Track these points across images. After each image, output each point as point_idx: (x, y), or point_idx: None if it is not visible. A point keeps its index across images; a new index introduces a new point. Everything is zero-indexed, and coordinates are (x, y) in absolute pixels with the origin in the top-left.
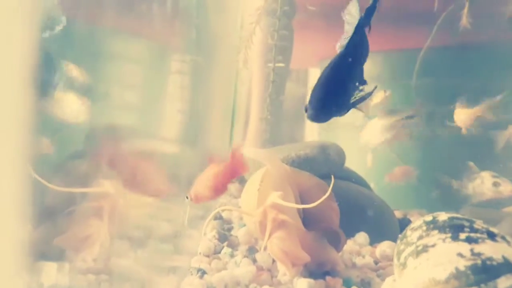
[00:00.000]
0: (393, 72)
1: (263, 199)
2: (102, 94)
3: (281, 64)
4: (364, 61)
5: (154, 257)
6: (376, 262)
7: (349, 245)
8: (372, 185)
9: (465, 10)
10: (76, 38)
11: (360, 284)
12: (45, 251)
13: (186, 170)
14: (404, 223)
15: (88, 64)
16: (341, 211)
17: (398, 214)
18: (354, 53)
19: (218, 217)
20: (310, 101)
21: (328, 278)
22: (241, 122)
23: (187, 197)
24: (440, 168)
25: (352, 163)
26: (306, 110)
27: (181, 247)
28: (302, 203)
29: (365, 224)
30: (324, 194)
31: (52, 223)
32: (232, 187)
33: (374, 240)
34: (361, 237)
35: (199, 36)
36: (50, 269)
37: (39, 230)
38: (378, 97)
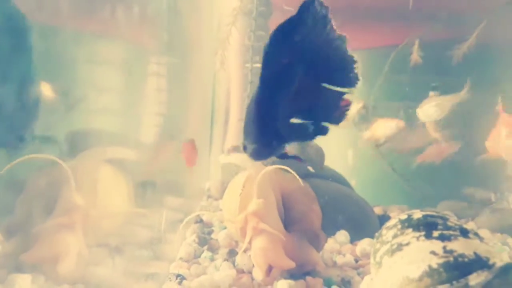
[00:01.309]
0: (380, 69)
1: (244, 204)
2: (78, 99)
3: (258, 65)
4: (291, 86)
5: (132, 264)
6: (356, 260)
7: (330, 243)
8: (353, 183)
9: (416, 47)
10: (51, 43)
11: (341, 283)
12: (18, 263)
13: (163, 175)
14: (384, 220)
15: (63, 68)
16: (321, 210)
17: (378, 210)
18: (271, 84)
19: (199, 221)
20: (245, 139)
21: (308, 278)
22: (221, 123)
23: None
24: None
25: (334, 161)
26: (245, 149)
27: (160, 253)
28: (286, 205)
29: (345, 222)
30: (307, 196)
31: (25, 235)
32: (213, 188)
33: (355, 238)
34: (342, 235)
35: (175, 37)
36: (24, 281)
37: (12, 242)
38: (354, 108)
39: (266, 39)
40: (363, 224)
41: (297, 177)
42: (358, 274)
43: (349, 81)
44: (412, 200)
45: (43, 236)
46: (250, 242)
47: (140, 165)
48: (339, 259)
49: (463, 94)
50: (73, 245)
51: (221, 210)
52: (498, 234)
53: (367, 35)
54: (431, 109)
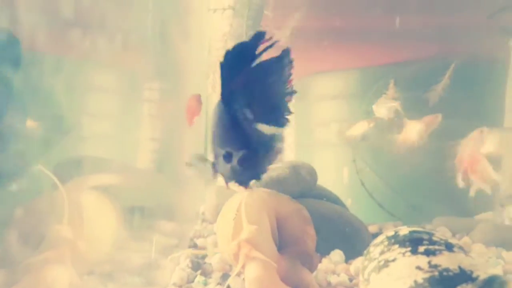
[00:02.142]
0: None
1: (238, 229)
2: (71, 125)
3: None
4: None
5: None
6: (351, 279)
7: (324, 263)
8: (349, 201)
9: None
10: (43, 70)
11: None
12: None
13: (158, 199)
14: None
15: (56, 95)
16: (315, 229)
17: (373, 228)
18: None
19: (192, 245)
20: (225, 148)
21: None
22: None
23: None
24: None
25: (328, 181)
26: (227, 158)
27: (153, 279)
28: (280, 229)
29: (340, 241)
30: (304, 219)
31: (11, 269)
32: (207, 212)
33: (349, 257)
34: (336, 255)
35: (166, 63)
36: None
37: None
38: (361, 127)
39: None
40: (357, 243)
41: (293, 200)
42: None
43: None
44: (408, 217)
45: (32, 271)
46: (243, 267)
47: (132, 190)
48: (333, 279)
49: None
50: (63, 278)
51: (215, 234)
52: (493, 248)
53: (354, 55)
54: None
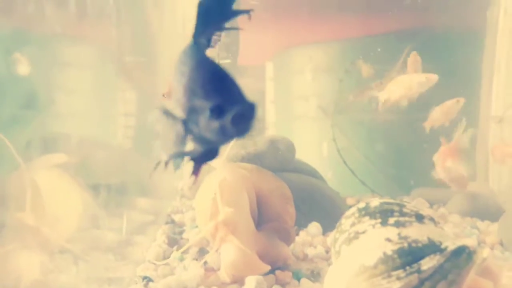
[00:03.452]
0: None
1: (216, 209)
2: (46, 102)
3: (227, 61)
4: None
5: (96, 269)
6: (327, 251)
7: (302, 236)
8: (330, 174)
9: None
10: (17, 46)
11: (311, 275)
12: None
13: (134, 176)
14: None
15: (31, 71)
16: (293, 202)
17: (352, 200)
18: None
19: (170, 221)
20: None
21: (277, 272)
22: None
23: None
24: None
25: (308, 154)
26: (219, 114)
27: (128, 255)
28: (260, 206)
29: (317, 214)
30: (285, 198)
31: None
32: (186, 188)
33: (326, 229)
34: (314, 227)
35: (139, 35)
36: None
37: None
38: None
39: (233, 35)
40: (334, 215)
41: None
42: (328, 265)
43: None
44: (387, 188)
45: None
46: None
47: (106, 167)
48: (310, 251)
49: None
50: (33, 263)
51: (194, 209)
52: (468, 218)
53: (333, 27)
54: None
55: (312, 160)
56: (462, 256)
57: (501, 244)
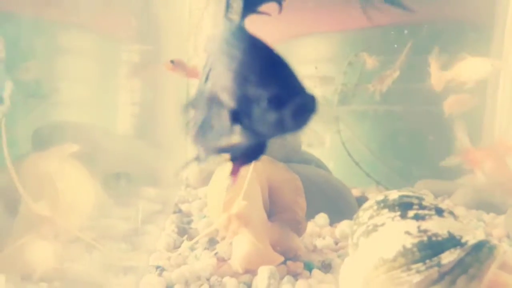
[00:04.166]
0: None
1: (230, 200)
2: (50, 90)
3: None
4: None
5: (110, 258)
6: (336, 242)
7: (310, 227)
8: (331, 165)
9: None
10: (21, 33)
11: (321, 267)
12: None
13: (141, 165)
14: (362, 201)
15: (35, 60)
16: None
17: (356, 192)
18: None
19: (177, 211)
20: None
21: (289, 263)
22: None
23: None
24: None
25: (311, 145)
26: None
27: (139, 245)
28: (272, 198)
29: (324, 205)
30: (296, 190)
31: None
32: (191, 177)
33: (334, 220)
34: (321, 218)
35: (146, 24)
36: None
37: None
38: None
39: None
40: (341, 206)
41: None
42: (338, 256)
43: None
44: (391, 180)
45: (15, 253)
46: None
47: (112, 156)
48: (319, 242)
49: None
50: (47, 252)
51: (200, 199)
52: (474, 211)
53: (336, 19)
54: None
55: (315, 151)
56: (482, 251)
57: (508, 237)
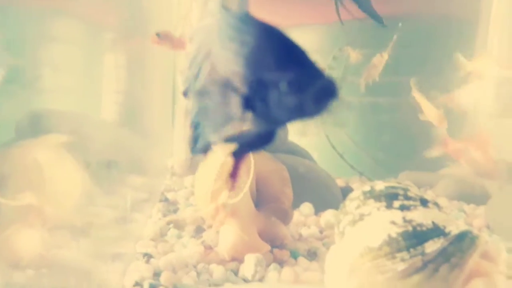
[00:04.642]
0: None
1: (218, 190)
2: (33, 78)
3: None
4: None
5: (97, 245)
6: (321, 231)
7: (295, 216)
8: (316, 155)
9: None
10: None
11: (307, 255)
12: None
13: (126, 153)
14: (346, 191)
15: (17, 46)
16: None
17: (340, 182)
18: None
19: (164, 199)
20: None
21: (275, 251)
22: (183, 100)
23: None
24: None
25: (295, 135)
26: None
27: (126, 232)
28: (259, 187)
29: (309, 195)
30: (282, 180)
31: None
32: (177, 166)
33: (318, 209)
34: (306, 207)
35: (133, 13)
36: None
37: None
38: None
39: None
40: (326, 196)
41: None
42: (323, 245)
43: None
44: (374, 171)
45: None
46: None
47: (97, 144)
48: (305, 231)
49: None
50: (35, 239)
51: (186, 188)
52: (455, 202)
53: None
54: None
55: (298, 140)
56: (465, 240)
57: (488, 227)
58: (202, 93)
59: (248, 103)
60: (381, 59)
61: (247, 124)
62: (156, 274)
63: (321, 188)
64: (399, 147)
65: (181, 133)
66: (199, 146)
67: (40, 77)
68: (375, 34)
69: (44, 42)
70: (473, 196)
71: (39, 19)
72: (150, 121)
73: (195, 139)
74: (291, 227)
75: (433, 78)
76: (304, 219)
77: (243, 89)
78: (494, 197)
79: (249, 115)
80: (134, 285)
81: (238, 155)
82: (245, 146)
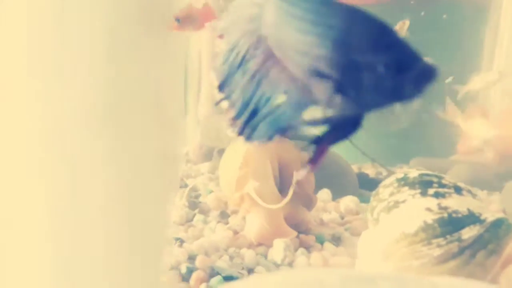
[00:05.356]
0: None
1: (243, 179)
2: None
3: None
4: None
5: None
6: (341, 217)
7: None
8: None
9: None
10: None
11: (332, 239)
12: None
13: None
14: (360, 177)
15: None
16: None
17: (354, 168)
18: None
19: (184, 186)
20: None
21: (301, 236)
22: (195, 88)
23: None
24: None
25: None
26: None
27: (152, 219)
28: (282, 175)
29: (327, 181)
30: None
31: None
32: (191, 153)
33: (336, 195)
34: (324, 193)
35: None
36: None
37: None
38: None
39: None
40: (343, 182)
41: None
42: (346, 229)
43: None
44: (385, 158)
45: None
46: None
47: None
48: (326, 217)
49: None
50: None
51: (203, 174)
52: (468, 188)
53: None
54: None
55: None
56: (501, 228)
57: (504, 212)
58: (256, 82)
59: (338, 87)
60: (403, 26)
61: (333, 109)
62: (190, 258)
63: (338, 174)
64: (410, 133)
65: (194, 121)
66: (260, 134)
67: None
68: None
69: None
70: (486, 182)
71: None
72: (163, 109)
73: (253, 127)
74: (312, 212)
75: (446, 65)
76: (323, 205)
77: (333, 72)
78: (510, 183)
79: (338, 98)
80: (170, 269)
81: (322, 142)
82: (332, 131)
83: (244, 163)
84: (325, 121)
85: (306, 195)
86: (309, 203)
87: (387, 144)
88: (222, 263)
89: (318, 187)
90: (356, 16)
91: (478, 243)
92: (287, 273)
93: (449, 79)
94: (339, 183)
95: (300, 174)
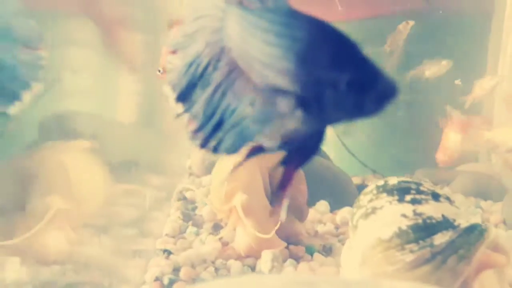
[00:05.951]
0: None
1: (231, 191)
2: (52, 81)
3: None
4: None
5: (118, 243)
6: (336, 228)
7: (311, 213)
8: (332, 155)
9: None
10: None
11: (323, 250)
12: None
13: (145, 154)
14: (362, 189)
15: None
16: None
17: (356, 180)
18: None
19: (182, 198)
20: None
21: (291, 247)
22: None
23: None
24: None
25: None
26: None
27: (146, 230)
28: (273, 185)
29: (325, 193)
30: (297, 177)
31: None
32: (194, 166)
33: (334, 207)
34: (322, 205)
35: (147, 13)
36: (12, 264)
37: None
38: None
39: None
40: (342, 193)
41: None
42: (339, 241)
43: None
44: (390, 169)
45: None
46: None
47: (117, 145)
48: (320, 228)
49: None
50: (61, 238)
51: (204, 187)
52: (472, 198)
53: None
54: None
55: None
56: (474, 233)
57: (504, 223)
58: (220, 94)
59: (300, 102)
60: (406, 26)
61: (293, 123)
62: (176, 270)
63: (337, 186)
64: (415, 144)
65: None
66: (226, 146)
67: (60, 80)
68: (391, 31)
69: (62, 45)
70: (490, 192)
71: (57, 23)
72: (167, 122)
73: (219, 139)
74: (307, 224)
75: (448, 73)
76: (320, 217)
77: (295, 87)
78: (510, 193)
79: (299, 113)
80: (154, 280)
81: (288, 163)
82: (295, 151)
83: (233, 175)
84: (286, 142)
85: (298, 207)
86: (300, 215)
87: (392, 155)
88: (207, 275)
89: (317, 199)
90: (323, 30)
91: (449, 249)
92: (233, 279)
93: (458, 81)
94: (338, 195)
95: (282, 216)
